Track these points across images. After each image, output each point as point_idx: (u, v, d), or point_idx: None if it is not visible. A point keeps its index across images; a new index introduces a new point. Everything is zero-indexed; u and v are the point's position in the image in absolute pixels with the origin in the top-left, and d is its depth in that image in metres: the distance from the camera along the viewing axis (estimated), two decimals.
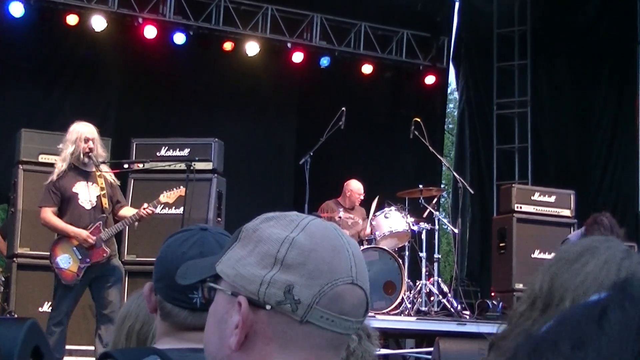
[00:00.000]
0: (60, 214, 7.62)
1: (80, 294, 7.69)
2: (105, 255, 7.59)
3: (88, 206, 7.65)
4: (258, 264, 1.34)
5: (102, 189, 7.69)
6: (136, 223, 8.00)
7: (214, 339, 1.40)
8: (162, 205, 8.24)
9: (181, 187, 8.15)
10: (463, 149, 15.31)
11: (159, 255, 2.14)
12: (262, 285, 1.33)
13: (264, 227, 1.37)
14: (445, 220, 11.44)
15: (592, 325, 0.72)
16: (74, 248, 7.54)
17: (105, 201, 7.70)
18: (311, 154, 9.96)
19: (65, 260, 7.52)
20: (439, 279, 10.03)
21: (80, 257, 7.52)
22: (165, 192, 8.02)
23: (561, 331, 0.74)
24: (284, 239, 1.34)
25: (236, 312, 1.35)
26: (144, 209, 7.77)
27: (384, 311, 9.32)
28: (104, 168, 7.86)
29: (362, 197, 10.80)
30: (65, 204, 7.62)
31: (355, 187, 10.80)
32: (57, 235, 7.68)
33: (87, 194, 7.65)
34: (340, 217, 10.18)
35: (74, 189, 7.61)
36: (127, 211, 7.97)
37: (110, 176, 7.88)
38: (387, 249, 9.67)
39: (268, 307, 1.32)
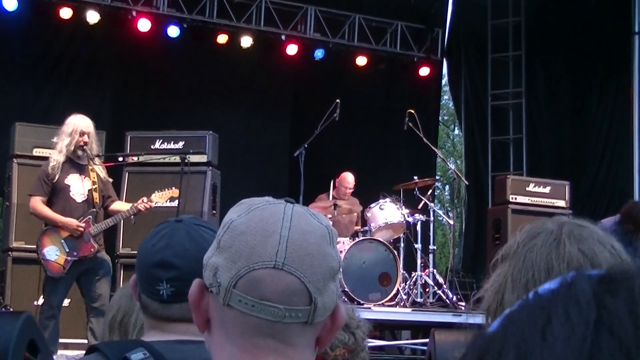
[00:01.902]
0: (50, 205, 7.55)
1: (69, 287, 7.66)
2: (93, 250, 7.55)
3: (79, 199, 7.61)
4: (212, 247, 1.36)
5: (94, 183, 7.65)
6: (132, 217, 7.96)
7: None
8: (155, 202, 8.16)
9: (173, 187, 8.09)
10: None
11: None
12: (204, 268, 1.35)
13: (229, 212, 1.38)
14: (440, 212, 11.44)
15: (536, 336, 0.68)
16: (63, 240, 7.50)
17: (96, 196, 7.66)
18: (306, 146, 9.97)
19: (53, 252, 7.48)
20: (435, 270, 10.04)
21: (67, 249, 7.49)
22: (157, 191, 7.96)
23: (506, 340, 0.70)
24: (226, 222, 1.34)
25: None
26: (143, 202, 7.74)
27: (379, 303, 9.33)
28: (97, 163, 7.83)
29: (349, 190, 10.74)
30: (57, 196, 7.57)
31: (343, 179, 10.77)
32: (45, 226, 7.62)
33: (79, 187, 7.61)
34: (333, 217, 10.07)
35: (67, 181, 7.57)
36: (120, 205, 7.93)
37: (103, 171, 7.84)
38: (382, 240, 9.67)
39: (210, 290, 1.34)
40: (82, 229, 7.47)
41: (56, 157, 7.57)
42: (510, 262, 1.81)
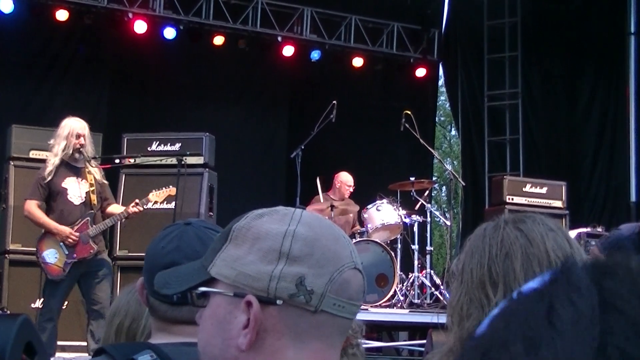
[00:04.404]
0: (49, 209, 7.57)
1: (69, 289, 7.66)
2: (92, 251, 7.55)
3: (77, 202, 7.62)
4: (261, 260, 1.34)
5: (91, 185, 7.66)
6: (124, 220, 7.98)
7: (216, 341, 1.37)
8: (153, 202, 8.17)
9: (170, 186, 8.10)
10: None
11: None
12: (272, 280, 1.32)
13: (258, 224, 1.37)
14: (437, 213, 11.44)
15: (542, 322, 0.67)
16: (61, 243, 7.51)
17: (94, 198, 7.67)
18: (302, 147, 9.96)
19: (52, 255, 7.48)
20: (432, 271, 10.03)
21: (67, 252, 7.49)
22: (154, 190, 7.98)
23: (509, 330, 0.69)
24: (284, 233, 1.34)
25: (242, 312, 1.33)
26: (132, 206, 7.75)
27: (376, 304, 9.33)
28: (94, 165, 7.83)
29: (351, 189, 10.77)
30: (54, 199, 7.57)
31: (344, 179, 10.77)
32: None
33: (76, 189, 7.62)
34: (330, 219, 10.07)
35: (64, 184, 7.57)
36: (115, 208, 7.94)
37: (99, 173, 7.84)
38: (379, 241, 9.66)
39: (279, 302, 1.32)
40: (75, 238, 7.46)
41: (52, 160, 7.57)
42: (465, 263, 1.86)
